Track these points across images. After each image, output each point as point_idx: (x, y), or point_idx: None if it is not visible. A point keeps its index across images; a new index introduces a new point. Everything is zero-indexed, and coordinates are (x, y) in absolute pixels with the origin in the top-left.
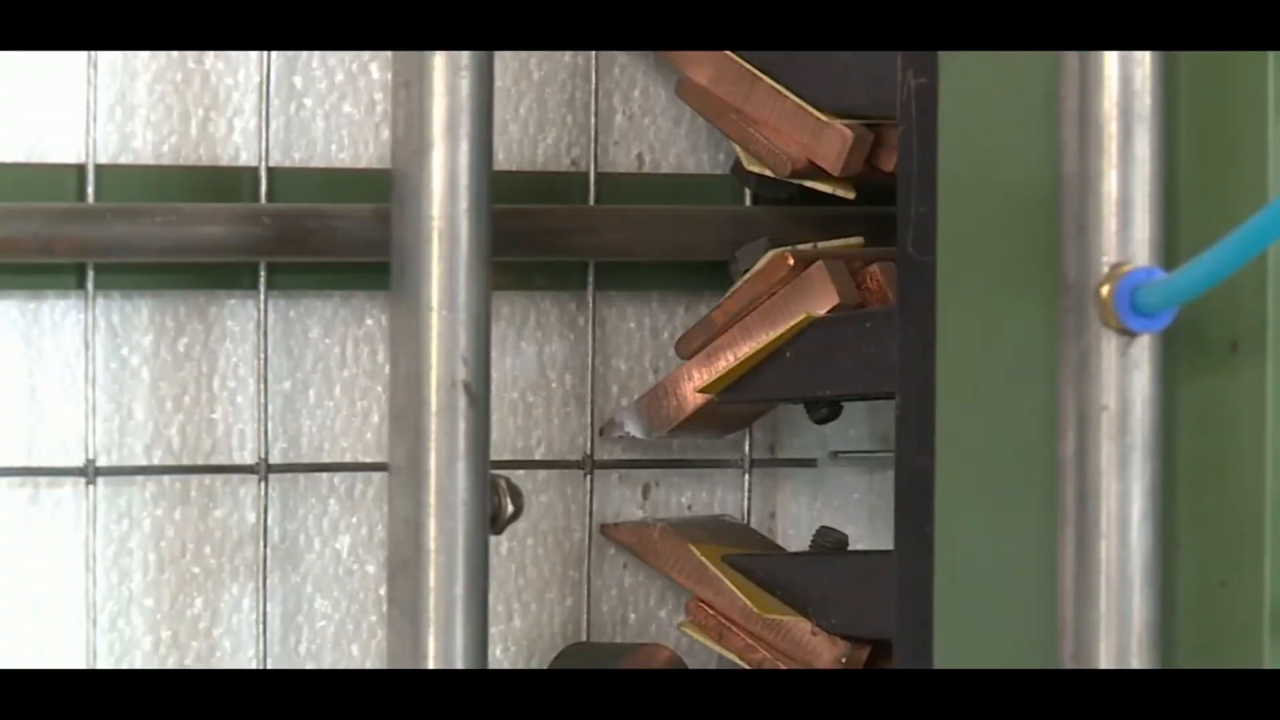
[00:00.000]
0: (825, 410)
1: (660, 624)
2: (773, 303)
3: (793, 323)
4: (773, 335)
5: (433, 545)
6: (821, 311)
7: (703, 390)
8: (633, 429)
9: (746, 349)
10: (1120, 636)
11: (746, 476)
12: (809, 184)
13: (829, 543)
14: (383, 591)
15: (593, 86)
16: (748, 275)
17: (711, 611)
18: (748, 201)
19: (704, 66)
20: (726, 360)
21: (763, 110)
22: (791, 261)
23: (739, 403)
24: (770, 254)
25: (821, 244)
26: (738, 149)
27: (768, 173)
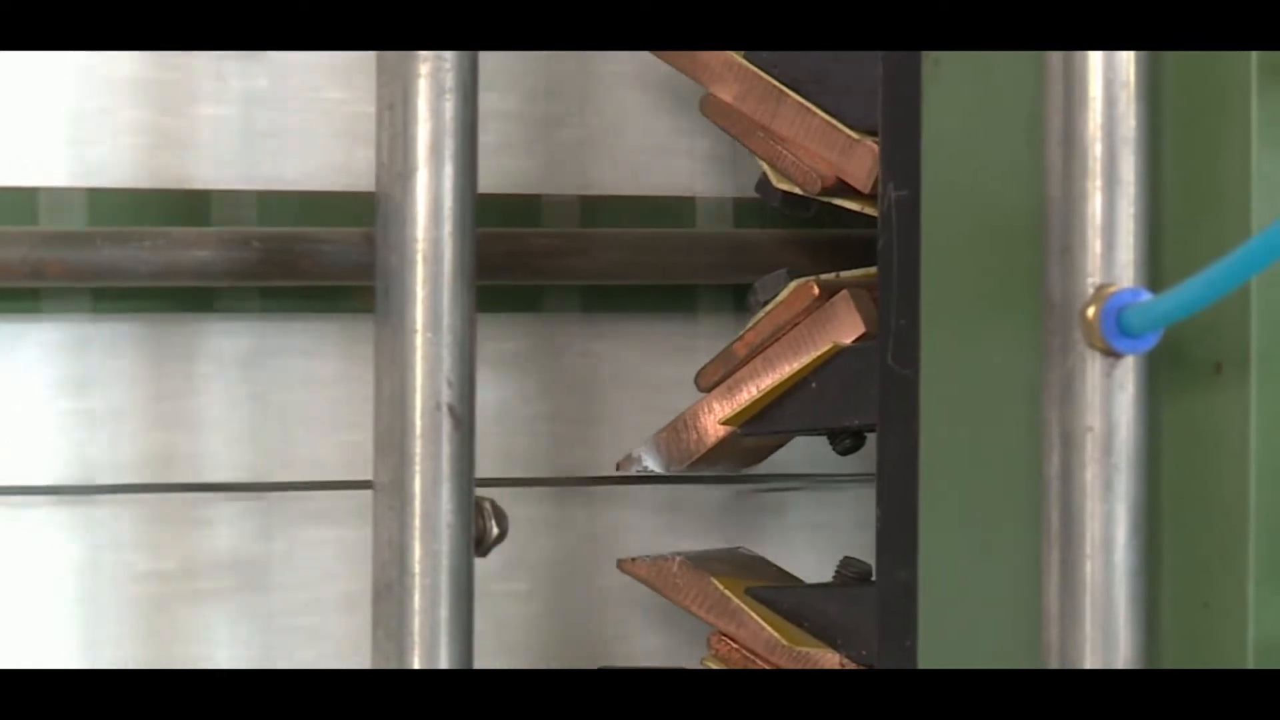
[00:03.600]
0: (849, 440)
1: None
2: (796, 333)
3: (818, 353)
4: (797, 365)
5: (417, 568)
6: (847, 341)
7: (725, 423)
8: (651, 463)
9: (770, 380)
10: (1105, 656)
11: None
12: (837, 201)
13: (853, 573)
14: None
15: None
16: (770, 305)
17: (735, 645)
18: (730, 223)
19: (729, 83)
20: (749, 392)
21: (790, 127)
22: (816, 291)
23: (762, 434)
24: (794, 284)
25: (844, 273)
26: (765, 166)
27: (796, 190)
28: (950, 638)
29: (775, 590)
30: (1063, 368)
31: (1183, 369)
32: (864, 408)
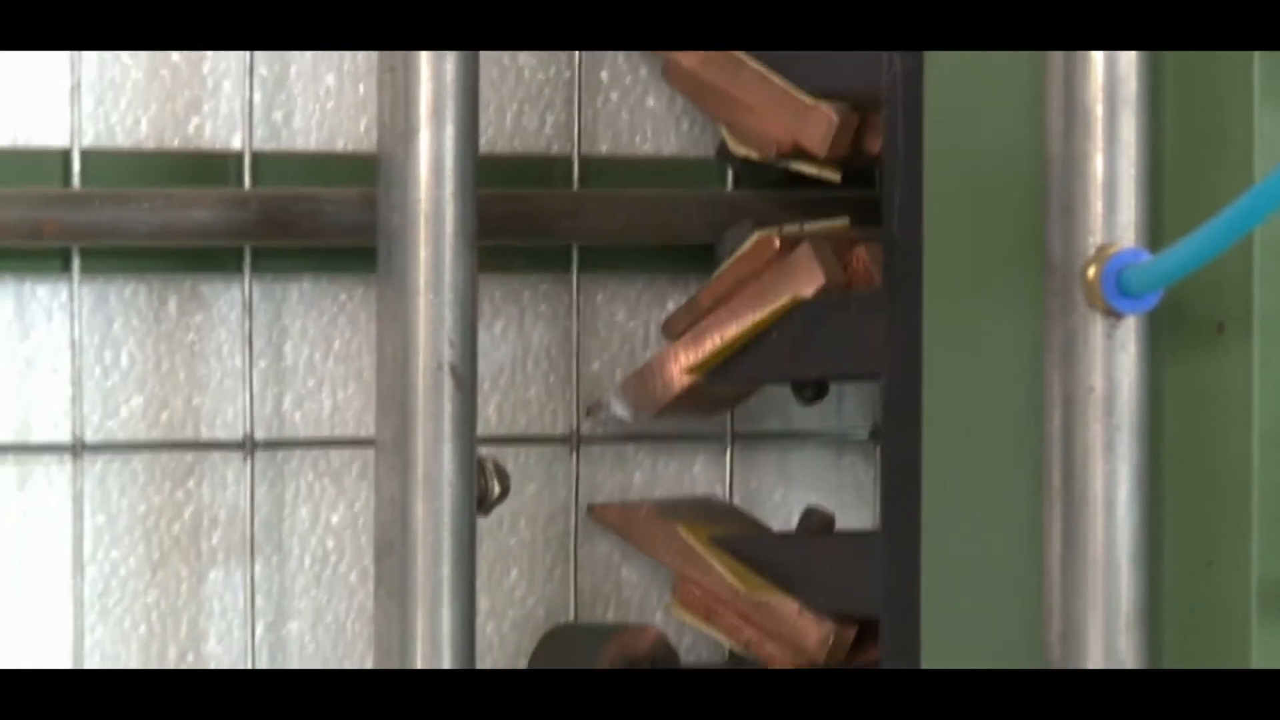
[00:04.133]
0: (812, 391)
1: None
2: (759, 285)
3: (779, 304)
4: (759, 317)
5: (419, 526)
6: (808, 293)
7: (689, 371)
8: (619, 410)
9: (733, 330)
10: (1108, 616)
11: (729, 452)
12: (795, 167)
13: (816, 523)
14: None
15: (577, 70)
16: (733, 257)
17: (699, 592)
18: (729, 185)
19: (691, 50)
20: (713, 342)
21: (749, 93)
22: (777, 244)
23: (726, 384)
24: (756, 236)
25: (807, 226)
26: (724, 132)
27: (753, 155)
28: (952, 594)
29: (739, 539)
30: (1064, 328)
31: (1185, 329)
32: (823, 360)
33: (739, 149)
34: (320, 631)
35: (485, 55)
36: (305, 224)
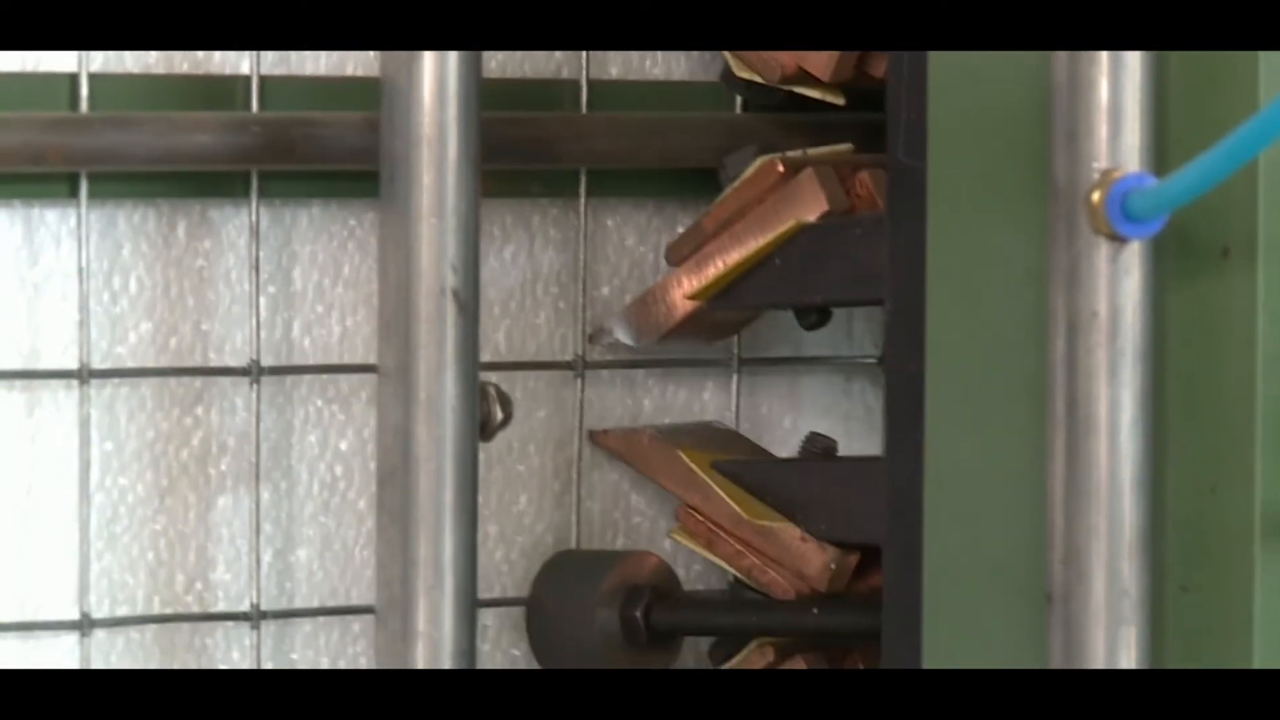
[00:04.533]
0: (815, 317)
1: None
2: (762, 209)
3: (782, 229)
4: (762, 242)
5: (422, 452)
6: (811, 218)
7: (692, 297)
8: (622, 335)
9: (736, 256)
10: (1111, 542)
11: (735, 378)
12: (799, 90)
13: (818, 448)
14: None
15: None
16: (737, 182)
17: (700, 518)
18: (738, 108)
19: None
20: (716, 267)
21: None
22: (781, 168)
23: (728, 309)
24: (759, 161)
25: (811, 151)
26: (727, 55)
27: (758, 79)
28: (955, 521)
29: (741, 464)
30: (1068, 253)
31: (1189, 254)
32: (826, 285)
33: (743, 72)
34: (328, 559)
35: None
36: (304, 148)
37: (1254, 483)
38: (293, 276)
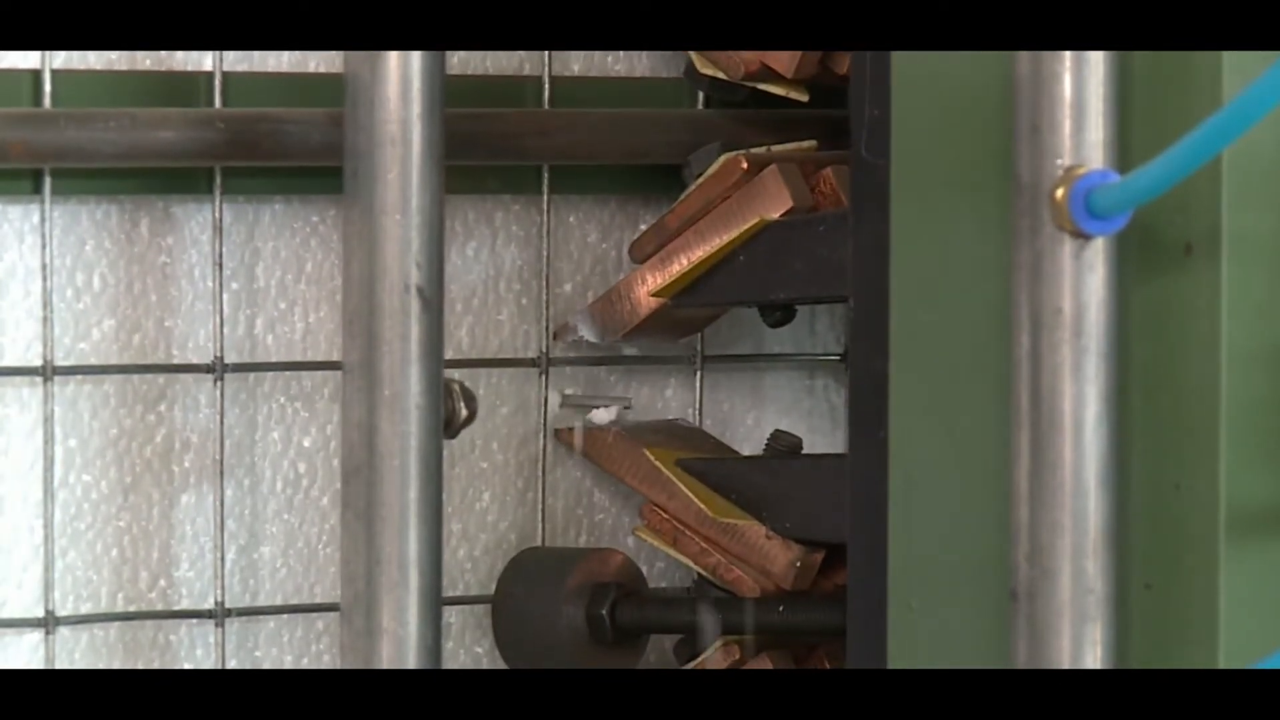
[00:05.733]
0: (779, 314)
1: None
2: (726, 206)
3: (746, 226)
4: (726, 239)
5: (386, 449)
6: (775, 215)
7: (656, 294)
8: (586, 333)
9: (700, 253)
10: (1075, 539)
11: (698, 375)
12: (763, 87)
13: (783, 446)
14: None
15: None
16: (701, 179)
17: (665, 515)
18: (701, 105)
19: None
20: (680, 264)
21: None
22: (745, 165)
23: (692, 306)
24: (723, 158)
25: (775, 147)
26: (691, 53)
27: (721, 75)
28: (920, 518)
29: (706, 462)
30: (1032, 249)
31: (1153, 250)
32: (790, 282)
33: (707, 69)
34: (292, 556)
35: None
36: (268, 145)
37: (1219, 480)
38: (256, 273)
